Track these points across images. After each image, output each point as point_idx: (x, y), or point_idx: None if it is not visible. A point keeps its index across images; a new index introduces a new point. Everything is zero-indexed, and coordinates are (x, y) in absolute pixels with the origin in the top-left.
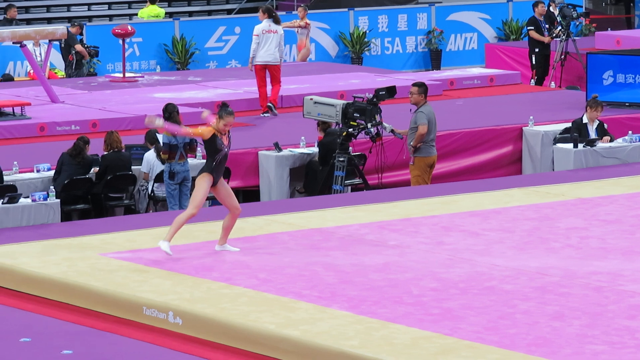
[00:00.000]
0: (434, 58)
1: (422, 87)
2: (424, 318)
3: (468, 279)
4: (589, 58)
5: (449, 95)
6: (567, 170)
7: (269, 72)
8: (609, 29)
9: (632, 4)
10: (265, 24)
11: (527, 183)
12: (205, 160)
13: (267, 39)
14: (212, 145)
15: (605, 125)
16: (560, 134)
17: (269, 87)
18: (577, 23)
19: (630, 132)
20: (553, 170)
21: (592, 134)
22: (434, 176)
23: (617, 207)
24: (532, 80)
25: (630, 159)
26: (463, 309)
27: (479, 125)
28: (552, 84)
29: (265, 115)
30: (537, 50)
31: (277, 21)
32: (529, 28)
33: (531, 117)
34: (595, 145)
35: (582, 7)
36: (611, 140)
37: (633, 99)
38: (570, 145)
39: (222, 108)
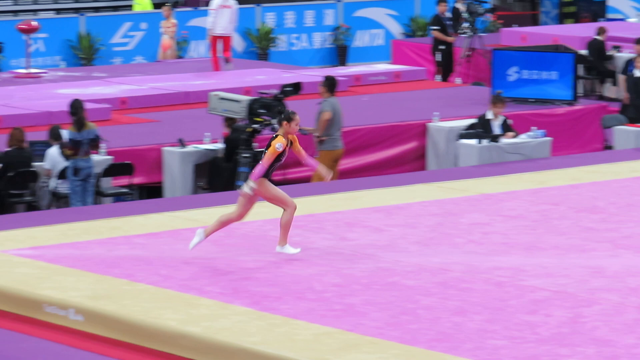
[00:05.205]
0: (340, 54)
1: (326, 80)
2: (326, 314)
3: (371, 274)
4: (494, 54)
5: (354, 91)
6: (471, 166)
7: (223, 42)
8: (515, 25)
9: (537, 1)
10: None
11: (431, 179)
12: None
13: (222, 14)
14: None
15: (510, 121)
16: (464, 129)
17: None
18: (484, 19)
19: (534, 128)
20: (457, 166)
21: (496, 130)
22: (340, 171)
23: (520, 203)
24: (437, 76)
25: (533, 155)
26: (365, 304)
27: (384, 121)
28: (458, 80)
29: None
30: (441, 47)
31: None
32: (432, 28)
33: (436, 113)
34: (499, 141)
35: (488, 3)
36: (515, 136)
37: (537, 95)
38: (474, 141)
39: (286, 113)
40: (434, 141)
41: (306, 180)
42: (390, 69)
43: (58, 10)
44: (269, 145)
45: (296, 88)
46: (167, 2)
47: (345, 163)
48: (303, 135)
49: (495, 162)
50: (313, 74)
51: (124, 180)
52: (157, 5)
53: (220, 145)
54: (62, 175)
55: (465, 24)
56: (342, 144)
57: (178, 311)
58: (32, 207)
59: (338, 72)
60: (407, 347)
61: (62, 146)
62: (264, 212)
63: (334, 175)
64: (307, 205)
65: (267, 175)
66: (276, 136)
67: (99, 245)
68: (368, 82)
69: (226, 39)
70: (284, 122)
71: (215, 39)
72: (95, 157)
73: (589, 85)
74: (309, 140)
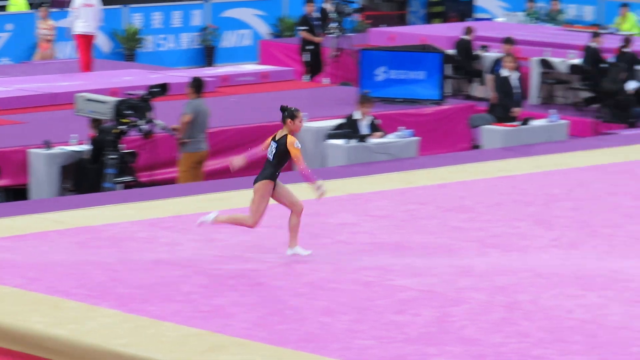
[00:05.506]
0: (208, 55)
1: (193, 81)
2: (193, 315)
3: (238, 275)
4: (362, 54)
5: (222, 92)
6: (338, 166)
7: (86, 41)
8: (383, 25)
9: (405, 1)
10: None
11: (298, 179)
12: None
13: (84, 12)
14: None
15: (377, 121)
16: (332, 130)
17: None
18: (351, 19)
19: (402, 127)
20: (325, 166)
21: (364, 130)
22: (206, 172)
23: (387, 203)
24: (305, 76)
25: (401, 155)
26: (233, 305)
27: (252, 121)
28: (326, 80)
29: None
30: (308, 47)
31: None
32: (300, 28)
33: (304, 113)
34: (367, 141)
35: (356, 3)
36: (383, 136)
37: (405, 95)
38: (342, 141)
39: (289, 110)
40: (302, 141)
41: (172, 181)
42: (258, 69)
43: None
44: (282, 147)
45: (163, 89)
46: (42, 3)
47: (213, 164)
48: (170, 136)
49: (363, 162)
50: (180, 75)
51: None
52: (32, 6)
53: (86, 147)
54: None
55: (333, 24)
56: (207, 146)
57: (45, 314)
58: None
59: (205, 72)
60: (275, 348)
61: None
62: (131, 214)
63: (199, 176)
64: (174, 206)
65: (275, 174)
66: (284, 135)
67: None
68: (236, 82)
69: (89, 38)
70: (288, 120)
71: (79, 38)
72: None
73: (457, 84)
74: (172, 141)
